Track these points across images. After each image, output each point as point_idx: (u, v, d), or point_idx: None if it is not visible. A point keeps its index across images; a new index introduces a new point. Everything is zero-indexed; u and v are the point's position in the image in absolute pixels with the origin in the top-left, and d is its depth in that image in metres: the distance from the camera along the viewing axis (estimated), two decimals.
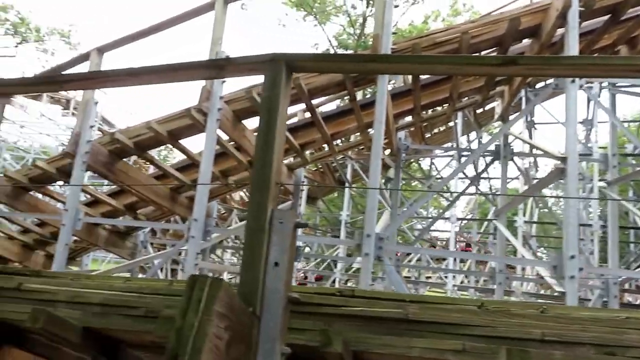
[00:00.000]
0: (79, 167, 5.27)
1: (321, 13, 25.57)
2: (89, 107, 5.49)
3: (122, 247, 8.07)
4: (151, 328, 2.22)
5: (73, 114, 20.23)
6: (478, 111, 9.62)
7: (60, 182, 7.60)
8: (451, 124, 10.13)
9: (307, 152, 7.35)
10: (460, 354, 1.99)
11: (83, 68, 5.71)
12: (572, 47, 4.75)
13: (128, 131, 5.83)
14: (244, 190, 11.55)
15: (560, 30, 5.28)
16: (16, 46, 29.94)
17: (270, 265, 1.88)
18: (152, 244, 8.84)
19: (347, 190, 12.48)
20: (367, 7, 25.42)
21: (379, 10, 4.80)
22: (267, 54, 1.97)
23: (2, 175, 6.91)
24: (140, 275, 8.57)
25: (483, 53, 5.67)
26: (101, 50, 5.66)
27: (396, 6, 5.56)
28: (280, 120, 1.94)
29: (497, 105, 7.29)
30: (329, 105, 8.01)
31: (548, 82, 6.91)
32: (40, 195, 7.81)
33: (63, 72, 5.38)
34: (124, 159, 6.01)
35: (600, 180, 10.36)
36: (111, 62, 5.74)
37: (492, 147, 6.94)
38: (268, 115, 1.91)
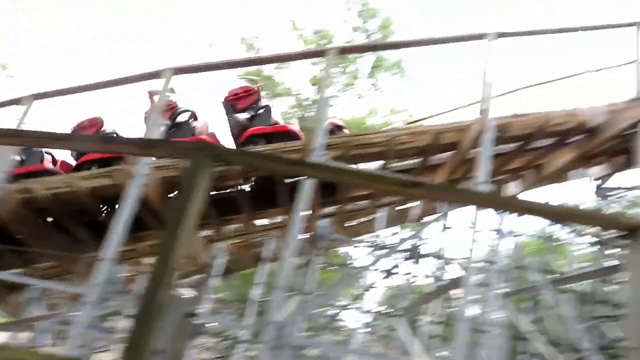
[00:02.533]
0: None
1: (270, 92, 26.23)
2: None
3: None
4: None
5: None
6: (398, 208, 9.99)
7: None
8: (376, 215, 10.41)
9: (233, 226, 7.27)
10: None
11: None
12: (483, 168, 5.13)
13: None
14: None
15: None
16: None
17: (157, 352, 1.81)
18: None
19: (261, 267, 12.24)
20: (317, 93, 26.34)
21: (320, 105, 5.07)
22: (194, 142, 2.02)
23: None
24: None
25: (408, 160, 6.06)
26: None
27: (331, 106, 5.93)
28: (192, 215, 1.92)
29: (415, 207, 7.64)
30: None
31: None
32: None
33: None
34: None
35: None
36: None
37: (406, 246, 7.18)
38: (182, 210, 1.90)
